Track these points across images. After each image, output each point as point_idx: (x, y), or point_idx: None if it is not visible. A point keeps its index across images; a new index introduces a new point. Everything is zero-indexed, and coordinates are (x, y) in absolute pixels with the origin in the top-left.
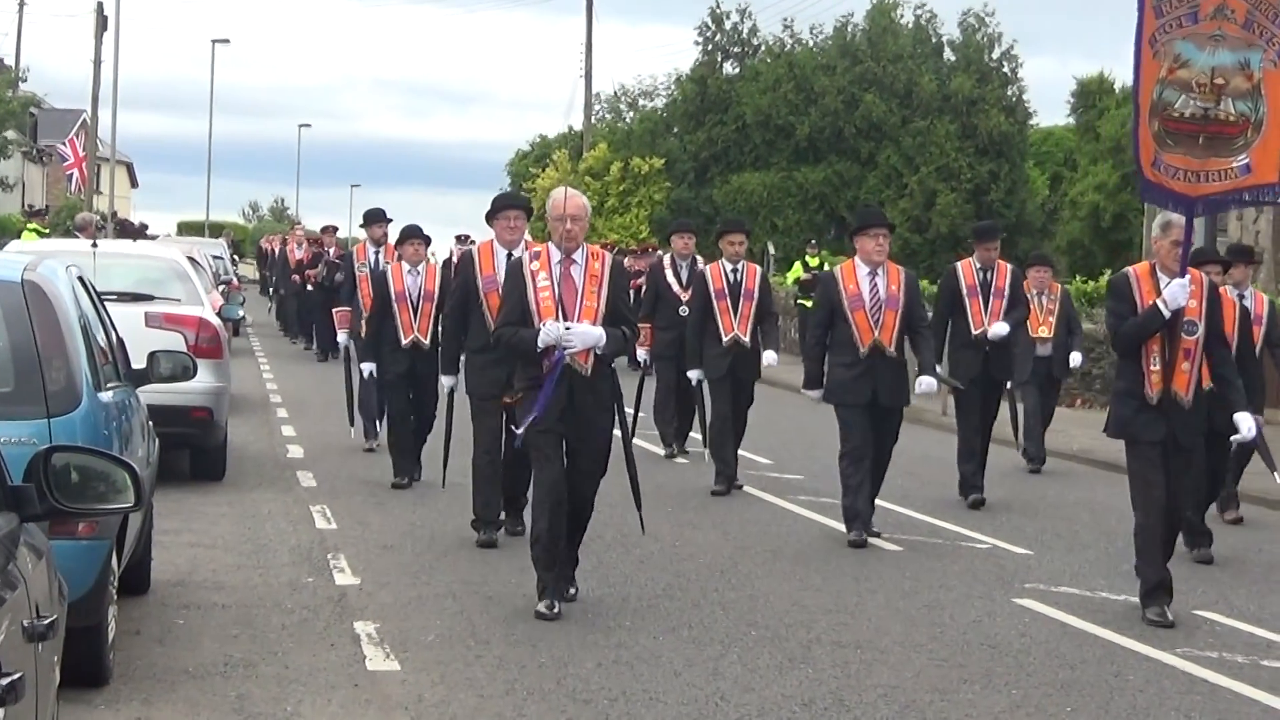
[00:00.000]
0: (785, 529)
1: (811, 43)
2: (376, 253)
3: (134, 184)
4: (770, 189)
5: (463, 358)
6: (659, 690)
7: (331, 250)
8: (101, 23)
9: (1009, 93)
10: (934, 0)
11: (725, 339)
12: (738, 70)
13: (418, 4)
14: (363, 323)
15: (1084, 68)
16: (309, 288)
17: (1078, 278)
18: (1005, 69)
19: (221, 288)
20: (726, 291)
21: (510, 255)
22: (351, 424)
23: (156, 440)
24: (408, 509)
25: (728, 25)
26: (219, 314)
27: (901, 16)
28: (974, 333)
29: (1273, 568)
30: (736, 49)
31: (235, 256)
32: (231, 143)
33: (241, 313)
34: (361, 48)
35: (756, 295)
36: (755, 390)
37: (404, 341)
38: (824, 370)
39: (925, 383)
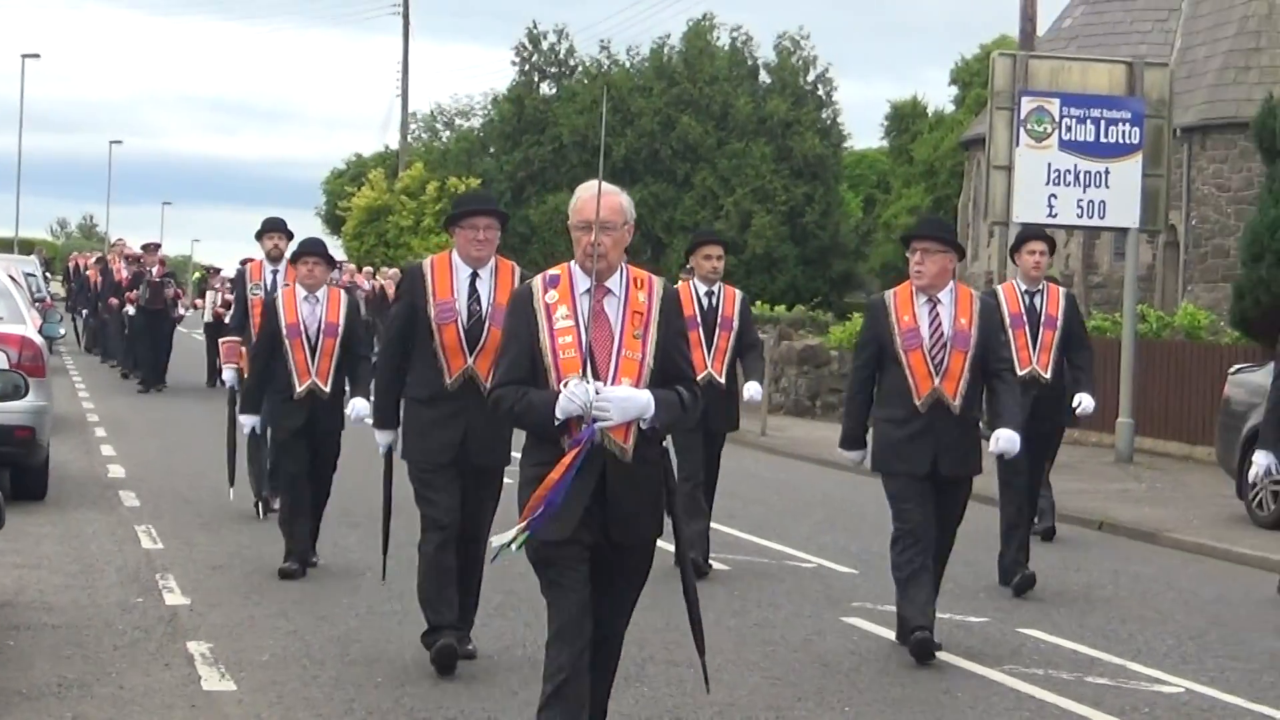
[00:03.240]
0: None
1: (628, 64)
2: (274, 272)
3: None
4: None
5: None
6: (497, 709)
7: (154, 270)
8: None
9: (824, 115)
10: (749, 23)
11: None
12: (555, 91)
13: (222, 20)
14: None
15: (895, 91)
16: (129, 311)
17: None
18: (820, 92)
19: (37, 305)
20: (699, 319)
21: (475, 275)
22: (231, 483)
23: None
24: (234, 530)
25: (544, 45)
26: (40, 332)
27: (717, 38)
28: (1020, 372)
29: (1092, 586)
30: (553, 69)
31: (46, 274)
32: (36, 159)
33: (62, 331)
34: (166, 63)
35: (736, 324)
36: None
37: (299, 389)
38: (867, 427)
39: (1005, 438)
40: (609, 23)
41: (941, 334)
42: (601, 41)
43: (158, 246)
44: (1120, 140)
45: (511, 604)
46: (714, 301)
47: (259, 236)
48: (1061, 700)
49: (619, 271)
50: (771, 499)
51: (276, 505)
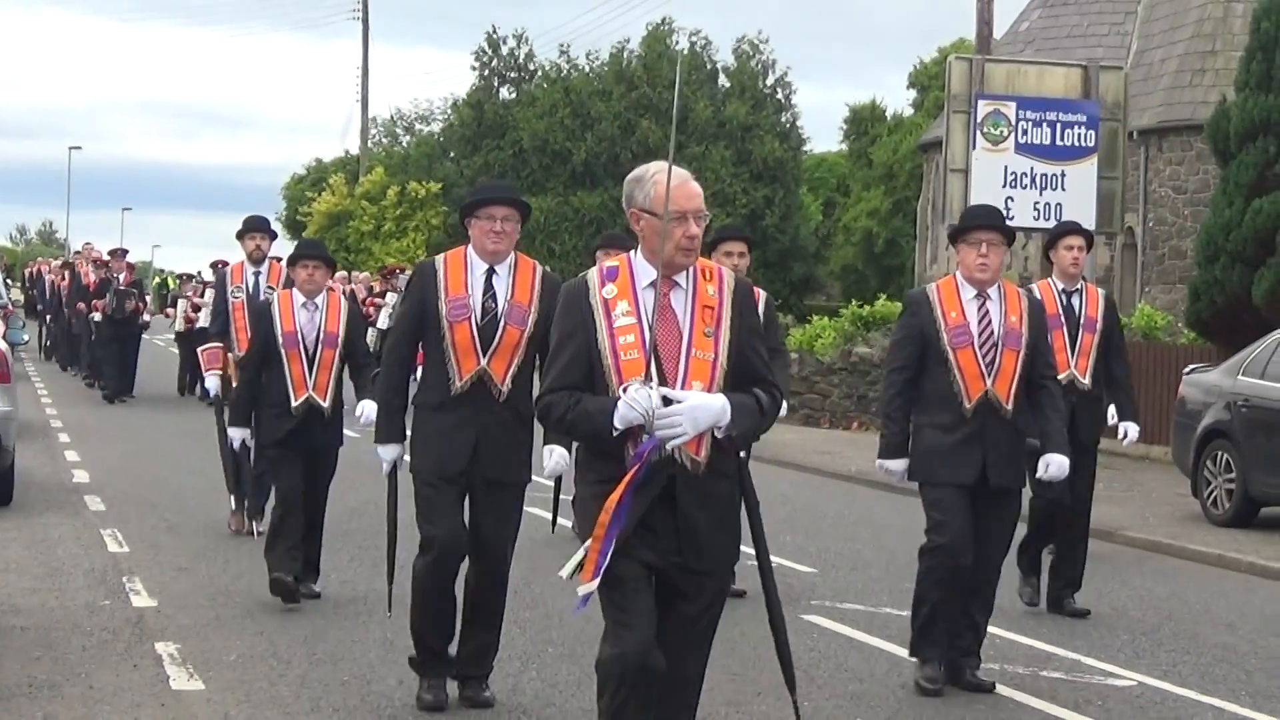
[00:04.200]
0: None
1: (588, 68)
2: (257, 274)
3: None
4: (547, 213)
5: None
6: (464, 705)
7: (122, 276)
8: None
9: (783, 119)
10: (708, 27)
11: None
12: (514, 95)
13: (179, 26)
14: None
15: (853, 95)
16: (96, 318)
17: (853, 302)
18: (779, 95)
19: None
20: None
21: (492, 271)
22: (233, 503)
23: None
24: (199, 533)
25: (504, 50)
26: (4, 338)
27: (676, 43)
28: (1058, 375)
29: (1045, 580)
30: (513, 74)
31: (7, 281)
32: None
33: (26, 337)
34: (124, 69)
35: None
36: None
37: (294, 402)
38: (909, 433)
39: (1056, 464)
40: (568, 27)
41: (992, 331)
42: (561, 45)
43: (125, 252)
44: (1076, 143)
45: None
46: None
47: (240, 236)
48: (1017, 694)
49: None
50: None
51: (260, 529)
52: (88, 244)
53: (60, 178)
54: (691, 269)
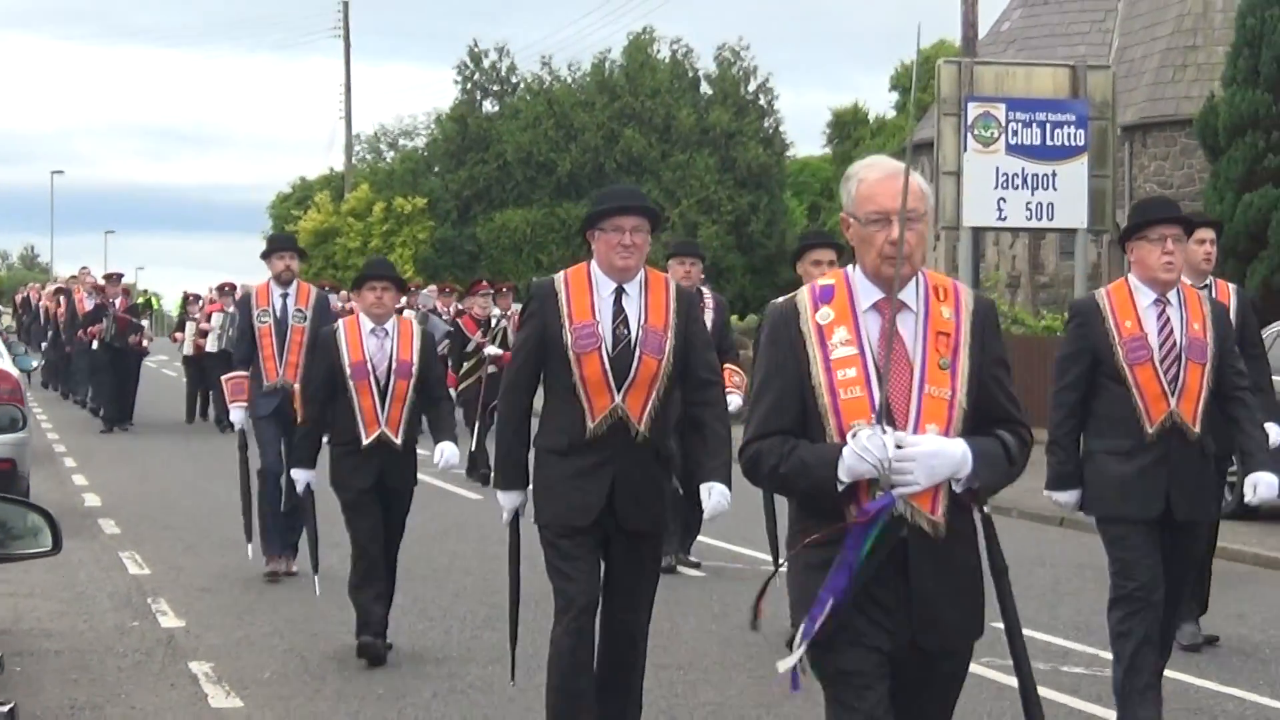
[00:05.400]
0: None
1: (570, 79)
2: (284, 295)
3: None
4: (534, 225)
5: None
6: (496, 715)
7: (118, 301)
8: None
9: (766, 124)
10: (689, 34)
11: None
12: (497, 108)
13: (150, 48)
14: (280, 397)
15: (834, 99)
16: (94, 346)
17: None
18: (761, 101)
19: None
20: None
21: (621, 291)
22: (249, 538)
23: None
24: (217, 553)
25: (486, 64)
26: (15, 365)
27: (658, 51)
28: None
29: (1058, 580)
30: (496, 87)
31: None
32: None
33: (35, 363)
34: (95, 92)
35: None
36: None
37: (365, 439)
38: (1079, 461)
39: (1265, 484)
40: (550, 40)
41: (1174, 343)
42: (543, 58)
43: (120, 277)
44: (1066, 143)
45: (499, 616)
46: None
47: (266, 256)
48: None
49: (916, 279)
50: (737, 507)
51: (283, 568)
52: (84, 269)
53: (36, 202)
54: (922, 287)
